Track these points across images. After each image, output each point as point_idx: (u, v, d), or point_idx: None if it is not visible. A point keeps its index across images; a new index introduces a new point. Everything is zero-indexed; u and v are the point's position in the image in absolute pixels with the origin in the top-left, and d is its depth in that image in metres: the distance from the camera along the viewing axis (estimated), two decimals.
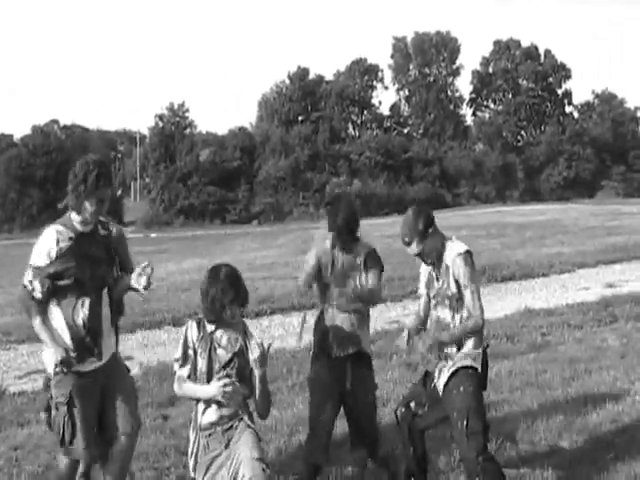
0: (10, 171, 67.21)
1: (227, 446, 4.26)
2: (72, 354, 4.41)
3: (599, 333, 10.27)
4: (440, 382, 4.67)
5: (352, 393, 5.08)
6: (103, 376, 4.59)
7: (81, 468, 4.78)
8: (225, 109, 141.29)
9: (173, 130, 72.96)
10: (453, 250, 4.66)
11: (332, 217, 5.07)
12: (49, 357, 4.45)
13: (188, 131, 74.58)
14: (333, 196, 5.60)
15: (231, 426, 4.29)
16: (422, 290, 4.94)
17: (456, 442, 4.68)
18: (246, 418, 4.34)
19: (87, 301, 4.45)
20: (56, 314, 4.45)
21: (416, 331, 4.88)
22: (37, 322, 4.41)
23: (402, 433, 4.87)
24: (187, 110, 74.95)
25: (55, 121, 77.67)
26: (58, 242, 4.39)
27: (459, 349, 4.64)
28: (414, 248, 4.64)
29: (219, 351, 4.32)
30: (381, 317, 11.58)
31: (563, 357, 8.77)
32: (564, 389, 7.36)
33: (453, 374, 4.61)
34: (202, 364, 4.29)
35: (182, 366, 4.33)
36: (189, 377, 4.32)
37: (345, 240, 5.09)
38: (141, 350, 10.67)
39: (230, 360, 4.31)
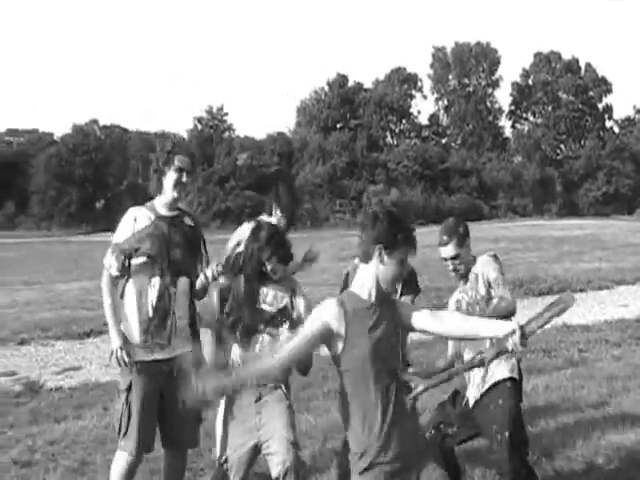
0: (50, 169, 68.15)
1: (258, 400, 4.25)
2: (138, 339, 4.45)
3: (638, 351, 10.13)
4: (476, 393, 4.63)
5: None
6: (167, 376, 4.51)
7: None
8: (264, 114, 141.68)
9: (211, 133, 73.46)
10: (481, 258, 4.67)
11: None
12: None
13: (226, 134, 75.05)
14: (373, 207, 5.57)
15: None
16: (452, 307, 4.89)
17: (498, 455, 4.60)
18: (283, 387, 4.33)
19: (158, 281, 4.46)
20: (129, 293, 4.48)
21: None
22: (107, 304, 4.47)
23: (433, 455, 4.77)
24: (226, 114, 75.58)
25: (95, 121, 78.53)
26: (136, 220, 4.50)
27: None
28: (450, 250, 4.61)
29: (264, 307, 4.31)
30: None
31: (600, 374, 8.66)
32: (601, 406, 7.27)
33: (491, 387, 4.57)
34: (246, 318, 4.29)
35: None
36: (233, 329, 4.30)
37: None
38: None
39: (273, 317, 4.32)
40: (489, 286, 4.57)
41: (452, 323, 3.48)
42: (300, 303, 4.35)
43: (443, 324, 3.48)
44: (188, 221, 4.71)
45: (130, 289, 4.47)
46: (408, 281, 5.14)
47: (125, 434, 4.44)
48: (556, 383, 8.21)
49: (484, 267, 4.60)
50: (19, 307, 15.30)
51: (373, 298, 3.39)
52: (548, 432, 6.44)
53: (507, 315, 4.54)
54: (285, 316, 4.34)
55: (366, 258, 3.40)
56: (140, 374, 4.44)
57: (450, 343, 4.86)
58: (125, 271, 4.45)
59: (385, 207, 3.55)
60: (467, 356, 4.63)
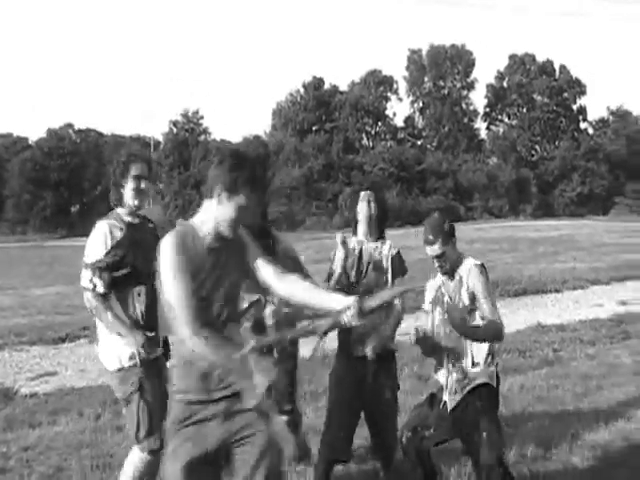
0: (24, 173, 67.63)
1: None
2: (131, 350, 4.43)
3: (612, 350, 10.23)
4: (454, 398, 4.63)
5: (373, 389, 5.02)
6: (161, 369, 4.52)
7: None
8: (239, 117, 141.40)
9: (187, 137, 73.22)
10: (468, 263, 4.64)
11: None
12: (112, 353, 4.46)
13: (202, 138, 74.81)
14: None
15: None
16: (427, 307, 4.88)
17: (474, 456, 4.59)
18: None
19: (144, 289, 4.46)
20: (115, 307, 4.46)
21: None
22: (109, 317, 4.42)
23: (409, 457, 4.75)
24: (202, 117, 75.42)
25: (70, 125, 78.08)
26: (111, 232, 4.48)
27: (473, 364, 4.61)
28: (437, 248, 4.58)
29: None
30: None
31: (575, 373, 8.73)
32: (576, 405, 7.33)
33: (469, 392, 4.58)
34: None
35: None
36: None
37: (376, 235, 5.16)
38: None
39: (247, 309, 4.30)
40: (473, 297, 4.57)
41: (294, 287, 3.49)
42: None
43: (284, 284, 3.49)
44: (150, 224, 4.79)
45: (115, 303, 4.46)
46: (397, 263, 5.15)
47: (148, 434, 4.41)
48: (531, 383, 8.25)
49: (470, 276, 4.58)
50: None
51: (210, 237, 3.41)
52: (524, 432, 6.47)
53: (496, 339, 4.57)
54: (258, 309, 4.36)
55: (209, 194, 3.43)
56: (144, 374, 4.44)
57: (428, 324, 4.88)
58: (110, 286, 4.44)
59: (234, 149, 3.57)
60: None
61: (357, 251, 5.11)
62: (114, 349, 4.46)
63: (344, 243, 5.12)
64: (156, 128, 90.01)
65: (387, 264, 5.12)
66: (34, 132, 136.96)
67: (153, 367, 4.49)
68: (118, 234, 4.48)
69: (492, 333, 4.52)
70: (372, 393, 5.04)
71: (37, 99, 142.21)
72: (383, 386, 5.08)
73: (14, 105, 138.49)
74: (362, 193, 5.16)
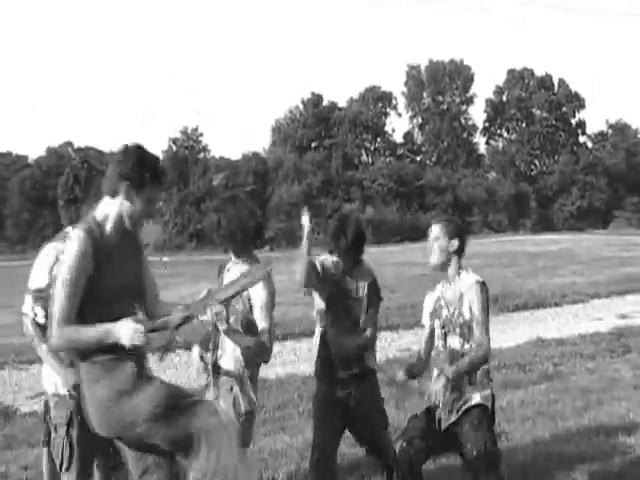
0: (24, 191, 67.77)
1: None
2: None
3: (612, 364, 10.22)
4: (448, 418, 4.62)
5: (358, 410, 5.04)
6: None
7: None
8: (239, 134, 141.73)
9: (187, 154, 73.35)
10: (470, 278, 4.63)
11: (339, 236, 5.10)
12: (50, 377, 4.35)
13: (202, 155, 74.92)
14: (340, 214, 5.56)
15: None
16: (426, 321, 4.88)
17: (471, 472, 4.59)
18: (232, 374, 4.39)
19: None
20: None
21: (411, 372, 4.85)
22: (44, 349, 4.24)
23: (401, 467, 4.69)
24: (201, 134, 75.45)
25: (69, 143, 78.21)
26: (57, 258, 4.19)
27: (470, 382, 4.61)
28: (437, 229, 4.67)
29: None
30: (393, 345, 11.58)
31: (575, 387, 8.72)
32: (576, 420, 7.31)
33: (465, 411, 4.58)
34: None
35: None
36: None
37: (350, 261, 5.12)
38: (155, 373, 10.68)
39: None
40: (472, 313, 4.57)
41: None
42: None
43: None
44: None
45: None
46: (373, 291, 5.17)
47: (67, 469, 4.30)
48: (531, 397, 8.25)
49: (470, 293, 4.57)
50: None
51: (114, 233, 3.48)
52: (523, 447, 6.46)
53: (484, 362, 4.57)
54: None
55: (112, 193, 3.47)
56: (78, 404, 4.10)
57: (422, 338, 4.92)
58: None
59: (136, 145, 3.62)
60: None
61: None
62: (52, 373, 4.34)
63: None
64: (155, 145, 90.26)
65: (362, 294, 5.14)
66: (33, 150, 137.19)
67: None
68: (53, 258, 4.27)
69: (479, 361, 4.52)
70: (356, 410, 5.05)
71: (36, 117, 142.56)
72: (366, 402, 5.09)
73: (13, 123, 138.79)
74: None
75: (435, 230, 4.68)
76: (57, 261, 4.21)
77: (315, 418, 5.21)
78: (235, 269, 4.66)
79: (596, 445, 6.47)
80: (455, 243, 4.65)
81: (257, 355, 4.41)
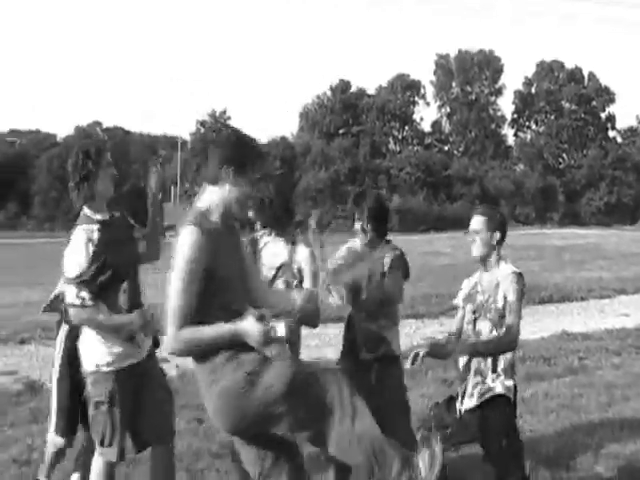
0: (52, 170, 68.05)
1: None
2: (120, 348, 4.34)
3: (637, 360, 10.15)
4: (470, 403, 4.64)
5: (379, 392, 5.02)
6: (138, 376, 4.45)
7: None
8: (266, 118, 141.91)
9: (214, 136, 73.51)
10: (508, 269, 4.67)
11: (358, 202, 5.15)
12: (88, 354, 4.39)
13: None
14: (359, 191, 5.57)
15: None
16: (459, 302, 4.90)
17: (493, 462, 4.60)
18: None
19: (125, 284, 4.36)
20: (103, 310, 4.30)
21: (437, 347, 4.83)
22: (102, 319, 4.27)
23: (422, 455, 4.76)
24: (229, 117, 75.64)
25: (98, 123, 78.76)
26: (90, 239, 4.26)
27: (494, 370, 4.61)
28: (478, 221, 4.72)
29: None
30: (417, 333, 11.56)
31: (600, 382, 8.68)
32: (600, 414, 7.29)
33: (487, 400, 4.58)
34: None
35: None
36: None
37: (373, 232, 5.13)
38: None
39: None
40: (505, 303, 4.59)
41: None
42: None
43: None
44: (117, 215, 4.58)
45: (102, 307, 4.31)
46: (397, 263, 5.16)
47: (109, 445, 4.37)
48: (555, 390, 8.22)
49: (506, 282, 4.60)
50: (20, 307, 15.29)
51: (221, 221, 3.37)
52: (547, 439, 6.45)
53: (508, 351, 4.57)
54: None
55: (214, 180, 3.37)
56: (118, 381, 4.34)
57: (456, 318, 4.91)
58: (97, 295, 4.27)
59: (231, 128, 3.56)
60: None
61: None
62: (94, 350, 4.37)
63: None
64: (183, 127, 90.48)
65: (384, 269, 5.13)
66: (62, 129, 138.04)
67: (127, 375, 4.38)
68: (95, 236, 4.28)
69: (505, 345, 4.54)
70: (378, 395, 5.04)
71: (65, 96, 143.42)
72: (389, 387, 5.10)
73: (42, 102, 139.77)
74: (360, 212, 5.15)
75: (477, 223, 4.72)
76: (89, 241, 4.24)
77: None
78: (272, 246, 4.72)
79: (620, 440, 6.45)
80: (497, 235, 4.71)
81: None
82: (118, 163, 4.59)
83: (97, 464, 4.49)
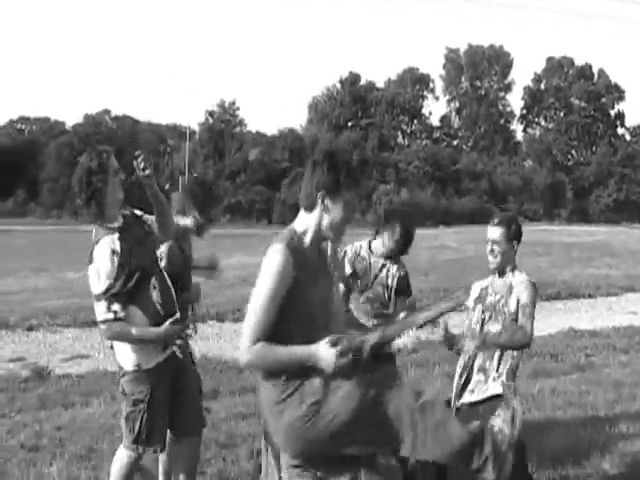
0: (61, 157, 68.18)
1: None
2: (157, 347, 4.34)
3: None
4: (470, 398, 4.64)
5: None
6: (175, 370, 4.45)
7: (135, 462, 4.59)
8: (275, 109, 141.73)
9: (223, 127, 73.52)
10: (522, 277, 4.69)
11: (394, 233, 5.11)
12: (125, 354, 4.36)
13: (238, 129, 75.10)
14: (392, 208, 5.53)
15: None
16: (470, 303, 4.89)
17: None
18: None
19: (154, 281, 4.31)
20: (135, 313, 4.26)
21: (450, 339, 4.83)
22: (133, 332, 4.21)
23: (425, 468, 4.72)
24: (238, 108, 75.70)
25: (107, 111, 78.72)
26: (113, 252, 4.17)
27: (497, 368, 4.61)
28: (497, 232, 4.71)
29: None
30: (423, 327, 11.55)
31: (607, 379, 8.66)
32: (608, 411, 7.27)
33: (486, 399, 4.58)
34: None
35: None
36: None
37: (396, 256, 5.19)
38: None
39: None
40: (518, 306, 4.59)
41: None
42: None
43: None
44: (127, 212, 4.51)
45: (134, 309, 4.25)
46: (402, 286, 5.18)
47: (146, 440, 4.38)
48: (562, 387, 8.20)
49: (521, 287, 4.62)
50: (28, 294, 15.36)
51: (313, 246, 3.30)
52: (554, 436, 6.43)
53: (520, 348, 4.57)
54: None
55: (310, 206, 3.27)
56: (158, 379, 4.34)
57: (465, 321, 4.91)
58: (128, 301, 4.22)
59: (325, 149, 3.47)
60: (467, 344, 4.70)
61: (367, 262, 5.17)
62: (132, 349, 4.33)
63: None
64: (192, 118, 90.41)
65: (392, 283, 5.16)
66: (71, 117, 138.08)
67: (163, 370, 4.37)
68: (119, 248, 4.18)
69: (516, 341, 4.53)
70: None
71: (75, 84, 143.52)
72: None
73: (52, 89, 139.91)
74: (395, 228, 5.10)
75: (496, 234, 4.72)
76: (114, 253, 4.16)
77: None
78: None
79: (627, 437, 6.43)
80: (515, 245, 4.74)
81: None
82: (126, 155, 4.50)
83: (122, 457, 4.49)
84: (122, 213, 4.40)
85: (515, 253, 4.76)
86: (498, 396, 4.57)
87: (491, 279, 4.80)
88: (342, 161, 3.28)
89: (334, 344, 3.15)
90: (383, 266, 5.16)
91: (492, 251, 4.70)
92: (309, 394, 3.19)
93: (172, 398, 4.49)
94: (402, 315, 3.62)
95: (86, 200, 4.27)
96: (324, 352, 3.14)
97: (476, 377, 4.65)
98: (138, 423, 4.35)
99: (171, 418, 4.50)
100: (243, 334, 3.20)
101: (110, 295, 4.16)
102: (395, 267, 5.18)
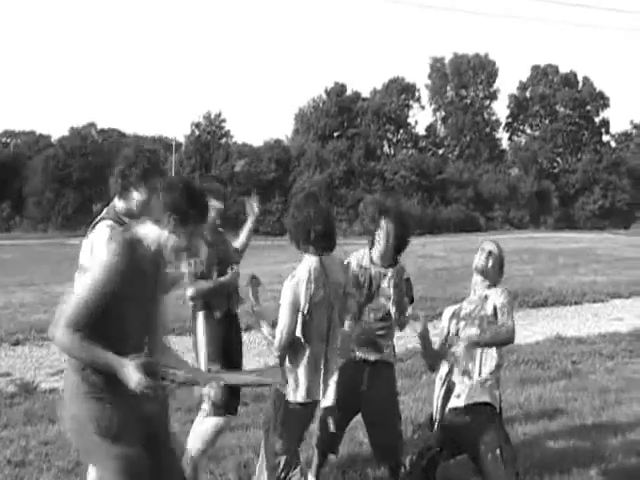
0: (47, 171, 68.04)
1: None
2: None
3: (630, 364, 10.18)
4: (456, 403, 4.65)
5: (369, 395, 5.08)
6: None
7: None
8: (261, 120, 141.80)
9: (209, 139, 73.48)
10: (496, 288, 4.81)
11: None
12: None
13: (224, 141, 75.04)
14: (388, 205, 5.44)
15: None
16: (444, 322, 4.98)
17: (487, 472, 4.57)
18: None
19: None
20: None
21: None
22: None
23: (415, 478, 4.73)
24: (224, 120, 75.60)
25: (92, 124, 78.59)
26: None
27: (480, 372, 4.64)
28: (490, 262, 4.81)
29: None
30: (412, 335, 11.55)
31: (593, 386, 8.70)
32: (594, 418, 7.30)
33: (472, 406, 4.60)
34: None
35: None
36: None
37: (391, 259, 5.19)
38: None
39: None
40: (495, 311, 4.64)
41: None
42: None
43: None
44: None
45: None
46: (406, 289, 5.20)
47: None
48: (549, 394, 8.24)
49: (495, 295, 4.70)
50: (14, 308, 15.28)
51: (152, 257, 3.43)
52: (541, 443, 6.46)
53: (505, 342, 4.60)
54: None
55: (157, 222, 3.39)
56: None
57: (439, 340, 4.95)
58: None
59: (184, 180, 3.57)
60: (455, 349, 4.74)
61: (369, 272, 5.16)
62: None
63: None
64: (178, 130, 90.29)
65: (392, 293, 5.16)
66: (57, 130, 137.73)
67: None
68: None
69: (501, 338, 4.58)
70: (368, 397, 5.08)
71: (60, 97, 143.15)
72: (380, 389, 5.11)
73: (37, 103, 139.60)
74: (386, 224, 5.10)
75: (494, 248, 4.86)
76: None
77: None
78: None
79: (613, 444, 6.47)
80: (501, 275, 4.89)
81: None
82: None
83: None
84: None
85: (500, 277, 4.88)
86: (485, 404, 4.59)
87: (463, 302, 4.90)
88: (198, 194, 3.45)
89: (142, 367, 3.24)
90: (384, 276, 5.17)
91: (488, 260, 4.82)
92: (105, 417, 3.36)
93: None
94: (214, 369, 3.86)
95: (116, 177, 4.41)
96: (132, 375, 3.24)
97: (460, 381, 4.67)
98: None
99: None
100: (65, 316, 3.32)
101: None
102: (397, 276, 5.19)
